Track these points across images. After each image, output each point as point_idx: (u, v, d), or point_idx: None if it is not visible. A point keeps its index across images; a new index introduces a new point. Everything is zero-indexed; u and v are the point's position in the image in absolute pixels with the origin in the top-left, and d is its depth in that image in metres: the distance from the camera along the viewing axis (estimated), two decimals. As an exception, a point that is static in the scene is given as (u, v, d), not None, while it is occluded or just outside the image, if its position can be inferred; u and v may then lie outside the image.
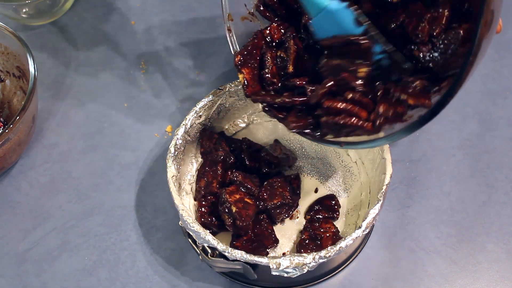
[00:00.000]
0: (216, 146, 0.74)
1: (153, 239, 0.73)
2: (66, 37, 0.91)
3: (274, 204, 0.69)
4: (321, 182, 0.75)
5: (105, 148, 0.81)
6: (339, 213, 0.71)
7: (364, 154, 0.74)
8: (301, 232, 0.71)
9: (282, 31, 0.67)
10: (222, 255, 0.63)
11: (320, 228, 0.69)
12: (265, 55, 0.66)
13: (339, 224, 0.72)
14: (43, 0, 0.87)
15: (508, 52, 0.86)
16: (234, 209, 0.66)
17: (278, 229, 0.71)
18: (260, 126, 0.79)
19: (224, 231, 0.71)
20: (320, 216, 0.71)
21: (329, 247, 0.61)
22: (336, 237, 0.68)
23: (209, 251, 0.63)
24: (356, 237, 0.62)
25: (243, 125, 0.79)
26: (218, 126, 0.77)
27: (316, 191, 0.74)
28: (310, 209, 0.72)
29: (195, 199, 0.73)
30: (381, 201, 0.64)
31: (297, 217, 0.72)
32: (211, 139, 0.74)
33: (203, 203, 0.71)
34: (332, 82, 0.58)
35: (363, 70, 0.58)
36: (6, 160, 0.75)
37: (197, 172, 0.74)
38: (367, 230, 0.63)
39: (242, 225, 0.66)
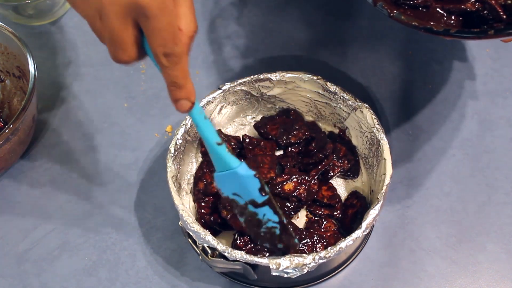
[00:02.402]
0: None
1: (153, 239, 0.73)
2: (66, 37, 0.91)
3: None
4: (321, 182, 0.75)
5: (105, 148, 0.81)
6: (340, 211, 0.71)
7: (364, 154, 0.74)
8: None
9: None
10: (222, 256, 0.63)
11: (320, 228, 0.69)
12: None
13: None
14: (43, 0, 0.87)
15: (508, 52, 0.86)
16: None
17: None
18: (260, 126, 0.79)
19: (225, 230, 0.71)
20: (321, 213, 0.71)
21: (329, 247, 0.61)
22: (337, 237, 0.68)
23: (209, 251, 0.63)
24: (356, 237, 0.62)
25: (243, 125, 0.79)
26: (218, 125, 0.77)
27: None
28: (311, 206, 0.72)
29: (194, 201, 0.73)
30: (381, 202, 0.64)
31: (297, 217, 0.72)
32: None
33: (203, 204, 0.71)
34: None
35: None
36: (6, 160, 0.75)
37: (194, 175, 0.74)
38: (367, 231, 0.63)
39: None
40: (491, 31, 0.55)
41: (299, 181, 0.70)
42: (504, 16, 0.58)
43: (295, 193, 0.70)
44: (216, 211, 0.70)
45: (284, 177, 0.69)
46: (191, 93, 0.54)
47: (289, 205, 0.70)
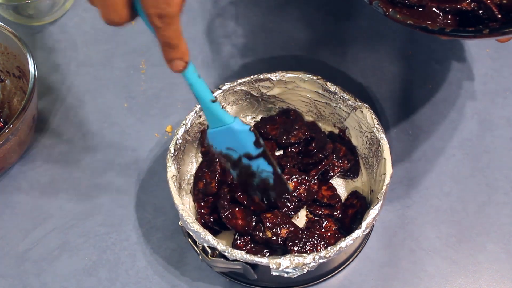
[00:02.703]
0: None
1: (153, 239, 0.73)
2: (66, 37, 0.91)
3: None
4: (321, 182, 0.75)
5: (105, 148, 0.81)
6: (340, 211, 0.71)
7: (364, 154, 0.74)
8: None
9: None
10: (222, 255, 0.63)
11: (321, 228, 0.69)
12: None
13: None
14: (43, 0, 0.87)
15: (508, 51, 0.86)
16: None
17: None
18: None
19: (225, 230, 0.70)
20: (321, 213, 0.71)
21: (329, 247, 0.61)
22: (337, 236, 0.68)
23: (209, 251, 0.63)
24: (356, 237, 0.62)
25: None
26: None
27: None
28: (311, 206, 0.72)
29: (194, 201, 0.73)
30: (381, 201, 0.64)
31: (297, 217, 0.72)
32: None
33: (202, 204, 0.71)
34: None
35: None
36: (6, 160, 0.75)
37: (194, 175, 0.74)
38: (367, 230, 0.63)
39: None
40: (486, 30, 0.56)
41: (299, 181, 0.70)
42: (499, 16, 0.58)
43: (295, 193, 0.70)
44: (216, 211, 0.70)
45: (284, 177, 0.69)
46: (184, 53, 0.55)
47: (289, 205, 0.70)
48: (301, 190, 0.70)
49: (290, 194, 0.69)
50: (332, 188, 0.73)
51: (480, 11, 0.59)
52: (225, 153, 0.65)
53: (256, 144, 0.64)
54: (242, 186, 0.68)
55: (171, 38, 0.53)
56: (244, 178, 0.67)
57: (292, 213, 0.70)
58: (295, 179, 0.70)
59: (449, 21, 0.61)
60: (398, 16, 0.60)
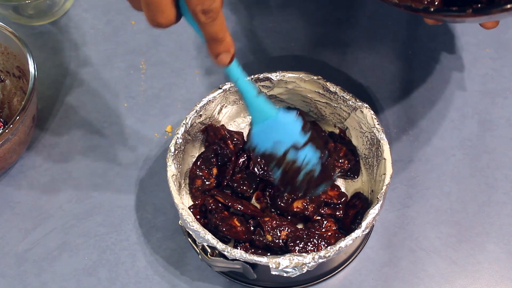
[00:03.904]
0: (221, 140, 0.74)
1: (153, 239, 0.73)
2: (66, 37, 0.91)
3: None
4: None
5: (105, 148, 0.81)
6: (342, 211, 0.71)
7: (364, 154, 0.74)
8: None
9: None
10: (221, 255, 0.63)
11: (321, 228, 0.69)
12: None
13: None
14: (43, 0, 0.87)
15: (508, 51, 0.86)
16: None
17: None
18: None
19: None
20: (323, 212, 0.71)
21: (329, 247, 0.61)
22: (337, 236, 0.68)
23: (209, 250, 0.63)
24: (356, 237, 0.62)
25: (243, 125, 0.79)
26: (218, 125, 0.77)
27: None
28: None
29: (192, 199, 0.73)
30: (381, 201, 0.64)
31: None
32: (216, 134, 0.74)
33: (197, 202, 0.71)
34: None
35: None
36: (6, 160, 0.75)
37: (189, 173, 0.74)
38: (367, 230, 0.63)
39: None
40: (469, 10, 0.55)
41: (308, 199, 0.70)
42: None
43: (303, 213, 0.70)
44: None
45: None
46: (230, 45, 0.55)
47: (293, 220, 0.70)
48: (310, 209, 0.70)
49: (335, 180, 0.67)
50: (337, 187, 0.73)
51: None
52: (270, 152, 0.63)
53: (304, 129, 0.62)
54: (284, 185, 0.65)
55: (217, 32, 0.53)
56: (288, 176, 0.64)
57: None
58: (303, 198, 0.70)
59: (436, 3, 0.61)
60: None
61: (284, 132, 0.62)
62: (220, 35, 0.54)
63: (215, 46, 0.54)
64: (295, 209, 0.69)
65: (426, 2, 0.61)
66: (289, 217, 0.70)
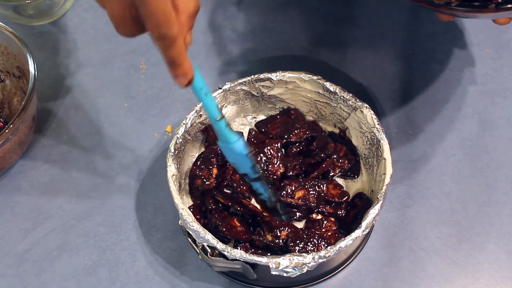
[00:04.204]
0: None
1: (153, 239, 0.73)
2: (66, 37, 0.91)
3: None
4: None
5: (105, 148, 0.81)
6: (344, 210, 0.71)
7: (365, 154, 0.74)
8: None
9: None
10: (221, 255, 0.63)
11: (321, 228, 0.69)
12: None
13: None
14: (43, 0, 0.87)
15: (508, 51, 0.86)
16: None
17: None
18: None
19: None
20: (325, 210, 0.71)
21: (329, 247, 0.61)
22: (337, 236, 0.68)
23: (209, 250, 0.63)
24: (356, 237, 0.62)
25: (243, 125, 0.79)
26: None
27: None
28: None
29: (192, 199, 0.73)
30: (381, 201, 0.64)
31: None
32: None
33: (199, 202, 0.71)
34: None
35: None
36: (6, 160, 0.75)
37: (189, 172, 0.74)
38: (367, 230, 0.63)
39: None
40: (491, 5, 0.55)
41: (308, 187, 0.71)
42: None
43: (306, 202, 0.70)
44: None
45: (294, 186, 0.71)
46: (187, 71, 0.57)
47: (298, 214, 0.71)
48: (311, 197, 0.70)
49: (283, 221, 0.70)
50: (339, 186, 0.73)
51: None
52: (233, 165, 0.68)
53: (253, 169, 0.67)
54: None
55: (173, 57, 0.54)
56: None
57: (303, 219, 0.71)
58: (305, 185, 0.70)
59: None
60: None
61: (238, 161, 0.67)
62: (177, 60, 0.55)
63: (172, 69, 0.56)
64: (298, 200, 0.70)
65: None
66: (293, 209, 0.71)
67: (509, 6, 0.55)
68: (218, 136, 0.65)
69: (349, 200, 0.72)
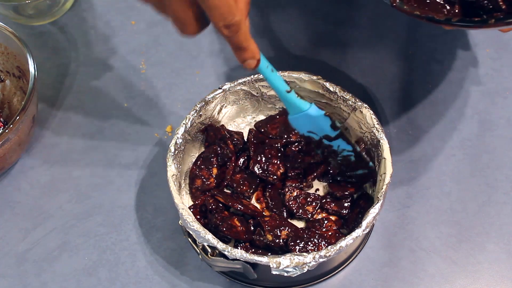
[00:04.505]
0: (221, 140, 0.74)
1: (153, 239, 0.73)
2: (66, 37, 0.91)
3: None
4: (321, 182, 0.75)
5: (105, 148, 0.81)
6: (349, 209, 0.71)
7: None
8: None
9: None
10: (222, 254, 0.63)
11: (322, 228, 0.69)
12: None
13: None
14: (43, 0, 0.87)
15: (508, 51, 0.86)
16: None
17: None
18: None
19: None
20: (329, 207, 0.71)
21: (329, 247, 0.61)
22: (338, 236, 0.68)
23: (209, 250, 0.63)
24: (356, 236, 0.62)
25: (243, 125, 0.79)
26: (218, 125, 0.77)
27: (316, 191, 0.74)
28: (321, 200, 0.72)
29: (192, 199, 0.73)
30: (381, 201, 0.64)
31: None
32: (216, 134, 0.74)
33: (198, 202, 0.71)
34: None
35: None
36: (6, 160, 0.75)
37: (189, 173, 0.74)
38: (367, 230, 0.63)
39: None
40: (491, 20, 0.56)
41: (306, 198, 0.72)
42: (504, 6, 0.59)
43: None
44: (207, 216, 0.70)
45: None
46: (255, 52, 0.60)
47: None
48: (310, 208, 0.71)
49: (372, 168, 0.71)
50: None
51: (485, 2, 0.59)
52: (307, 135, 0.71)
53: (333, 127, 0.70)
54: (327, 162, 0.73)
55: (241, 42, 0.58)
56: (329, 157, 0.72)
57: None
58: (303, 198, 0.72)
59: (455, 11, 0.61)
60: (405, 7, 0.60)
61: (315, 125, 0.70)
62: (244, 44, 0.58)
63: (240, 54, 0.59)
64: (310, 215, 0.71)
65: (445, 11, 0.61)
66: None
67: (508, 21, 0.55)
68: (289, 109, 0.68)
69: (353, 200, 0.71)
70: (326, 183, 0.74)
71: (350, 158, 0.71)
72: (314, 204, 0.71)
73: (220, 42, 0.89)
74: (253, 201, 0.73)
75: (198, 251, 0.65)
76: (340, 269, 0.70)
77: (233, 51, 0.59)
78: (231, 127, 0.78)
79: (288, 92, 0.66)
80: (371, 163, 0.71)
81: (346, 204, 0.71)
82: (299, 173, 0.73)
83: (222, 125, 0.77)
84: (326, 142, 0.71)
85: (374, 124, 0.70)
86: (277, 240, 0.66)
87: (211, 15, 0.53)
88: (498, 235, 0.72)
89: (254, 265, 0.62)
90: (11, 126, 0.70)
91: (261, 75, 0.74)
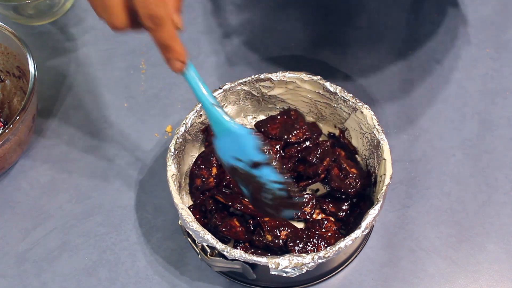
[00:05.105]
0: None
1: (153, 239, 0.73)
2: (66, 37, 0.91)
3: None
4: (321, 183, 0.74)
5: (105, 148, 0.81)
6: (346, 213, 0.71)
7: (365, 155, 0.74)
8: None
9: None
10: (221, 255, 0.63)
11: (321, 228, 0.69)
12: None
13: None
14: (43, 0, 0.87)
15: (508, 52, 0.86)
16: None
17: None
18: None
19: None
20: (326, 208, 0.71)
21: (329, 248, 0.61)
22: (337, 237, 0.68)
23: (208, 250, 0.63)
24: (356, 237, 0.62)
25: (243, 125, 0.79)
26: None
27: (316, 191, 0.74)
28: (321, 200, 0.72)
29: (192, 199, 0.73)
30: (381, 202, 0.64)
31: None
32: None
33: (198, 202, 0.71)
34: None
35: None
36: (6, 160, 0.75)
37: (190, 172, 0.74)
38: (367, 231, 0.63)
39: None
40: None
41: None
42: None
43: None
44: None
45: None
46: (180, 54, 0.56)
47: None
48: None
49: (302, 206, 0.68)
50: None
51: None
52: (234, 166, 0.62)
53: (263, 148, 0.61)
54: (257, 204, 0.65)
55: (165, 39, 0.54)
56: (257, 193, 0.63)
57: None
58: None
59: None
60: None
61: (240, 147, 0.61)
62: (169, 43, 0.55)
63: (165, 52, 0.56)
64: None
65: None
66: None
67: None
68: (215, 127, 0.61)
69: (352, 203, 0.71)
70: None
71: (282, 194, 0.63)
72: (310, 204, 0.71)
73: (220, 42, 0.89)
74: None
75: (197, 251, 0.65)
76: (340, 269, 0.70)
77: (158, 48, 0.55)
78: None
79: (212, 105, 0.59)
80: (303, 199, 0.67)
81: (344, 207, 0.71)
82: (291, 177, 0.72)
83: None
84: (253, 172, 0.62)
85: (374, 125, 0.70)
86: (276, 241, 0.66)
87: (136, 1, 0.51)
88: (498, 235, 0.72)
89: (253, 266, 0.62)
90: (11, 126, 0.70)
91: (262, 75, 0.74)
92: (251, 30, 0.90)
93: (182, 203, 0.66)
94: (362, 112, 0.71)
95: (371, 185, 0.71)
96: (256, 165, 0.61)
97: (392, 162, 0.67)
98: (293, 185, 0.63)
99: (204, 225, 0.67)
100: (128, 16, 0.53)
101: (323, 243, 0.67)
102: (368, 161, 0.73)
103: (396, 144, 0.78)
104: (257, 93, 0.76)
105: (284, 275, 0.61)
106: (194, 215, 0.66)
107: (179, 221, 0.67)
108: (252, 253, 0.64)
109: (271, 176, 0.62)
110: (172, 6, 0.53)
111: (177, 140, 0.70)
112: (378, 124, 0.70)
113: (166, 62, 0.56)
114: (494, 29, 0.88)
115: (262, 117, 0.79)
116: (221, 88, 0.74)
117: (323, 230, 0.69)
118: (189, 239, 0.66)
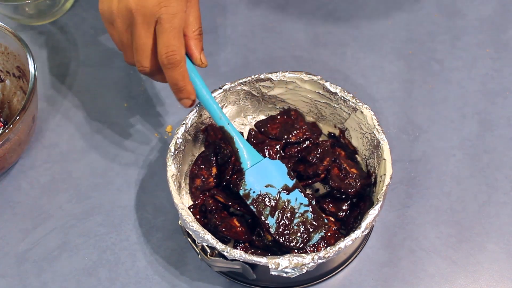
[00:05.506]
0: (221, 140, 0.74)
1: (153, 239, 0.73)
2: (66, 37, 0.91)
3: None
4: (321, 182, 0.74)
5: (105, 148, 0.81)
6: (346, 213, 0.71)
7: (365, 155, 0.74)
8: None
9: None
10: (221, 255, 0.63)
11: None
12: None
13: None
14: (43, 0, 0.88)
15: (508, 52, 0.86)
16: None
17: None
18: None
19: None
20: (326, 208, 0.71)
21: (328, 248, 0.61)
22: (337, 237, 0.68)
23: (208, 250, 0.63)
24: (356, 238, 0.62)
25: (243, 126, 0.79)
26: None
27: (316, 191, 0.74)
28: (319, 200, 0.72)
29: (192, 199, 0.73)
30: (381, 202, 0.64)
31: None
32: (216, 133, 0.74)
33: (198, 202, 0.71)
34: None
35: None
36: (6, 160, 0.75)
37: (189, 172, 0.74)
38: (367, 231, 0.63)
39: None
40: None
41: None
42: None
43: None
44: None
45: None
46: (190, 93, 0.66)
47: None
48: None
49: (328, 227, 0.68)
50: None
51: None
52: (265, 193, 0.67)
53: (289, 175, 0.68)
54: (280, 234, 0.66)
55: (177, 79, 0.64)
56: (284, 219, 0.66)
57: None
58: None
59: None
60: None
61: (274, 175, 0.67)
62: (181, 84, 0.64)
63: (176, 91, 0.66)
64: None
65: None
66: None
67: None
68: (249, 155, 0.68)
69: (352, 203, 0.71)
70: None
71: (307, 215, 0.67)
72: (332, 225, 0.70)
73: (220, 42, 0.89)
74: None
75: (197, 251, 0.65)
76: (340, 269, 0.70)
77: (171, 87, 0.65)
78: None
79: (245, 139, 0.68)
80: (325, 219, 0.67)
81: (344, 207, 0.71)
82: (310, 196, 0.72)
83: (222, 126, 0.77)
84: (284, 197, 0.67)
85: (374, 125, 0.70)
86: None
87: (159, 41, 0.61)
88: (498, 235, 0.72)
89: (253, 266, 0.62)
90: (11, 126, 0.70)
91: (262, 75, 0.74)
92: (251, 30, 0.90)
93: (182, 203, 0.66)
94: (362, 112, 0.71)
95: (371, 185, 0.71)
96: (289, 189, 0.67)
97: (392, 162, 0.67)
98: (316, 206, 0.68)
99: (204, 225, 0.67)
100: (156, 60, 0.62)
101: (323, 243, 0.67)
102: (368, 161, 0.73)
103: (396, 144, 0.78)
104: (257, 93, 0.76)
105: (284, 275, 0.61)
106: (194, 215, 0.66)
107: (179, 221, 0.67)
108: (252, 253, 0.64)
109: (301, 199, 0.67)
110: (195, 48, 0.65)
111: (177, 140, 0.70)
112: (378, 124, 0.70)
113: (178, 100, 0.66)
114: (494, 29, 0.88)
115: (262, 117, 0.79)
116: (221, 88, 0.74)
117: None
118: (189, 239, 0.66)
